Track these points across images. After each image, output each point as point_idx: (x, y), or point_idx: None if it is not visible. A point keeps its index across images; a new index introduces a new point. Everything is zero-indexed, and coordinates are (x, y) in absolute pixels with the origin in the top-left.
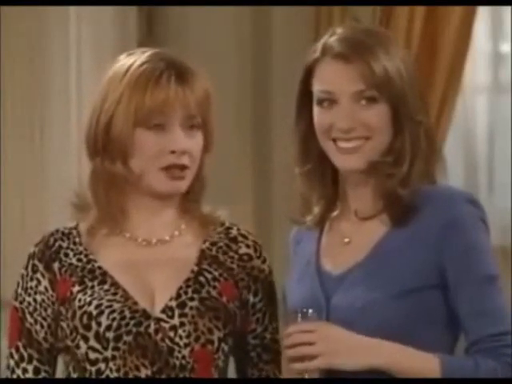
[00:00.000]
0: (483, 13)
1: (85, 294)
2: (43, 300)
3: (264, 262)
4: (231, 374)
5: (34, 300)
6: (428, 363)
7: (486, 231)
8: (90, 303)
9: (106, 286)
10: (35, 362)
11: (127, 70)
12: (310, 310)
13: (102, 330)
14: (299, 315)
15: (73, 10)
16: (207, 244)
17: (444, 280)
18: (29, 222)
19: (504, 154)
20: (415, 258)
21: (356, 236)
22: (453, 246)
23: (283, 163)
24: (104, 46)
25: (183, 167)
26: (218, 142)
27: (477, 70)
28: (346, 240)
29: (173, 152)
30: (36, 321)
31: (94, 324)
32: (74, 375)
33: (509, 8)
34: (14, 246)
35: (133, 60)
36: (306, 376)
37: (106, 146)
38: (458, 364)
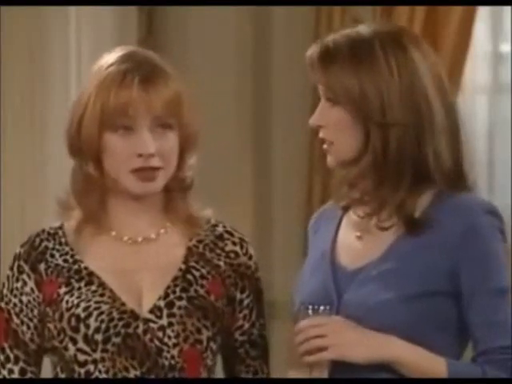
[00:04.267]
0: (483, 13)
1: (72, 295)
2: (29, 301)
3: (250, 258)
4: (218, 370)
5: (20, 301)
6: (436, 365)
7: (504, 242)
8: (77, 305)
9: (93, 287)
10: (21, 363)
11: (97, 72)
12: (322, 307)
13: (90, 332)
14: (310, 311)
15: (73, 9)
16: (194, 241)
17: (456, 287)
18: (29, 222)
19: (504, 153)
20: (429, 264)
21: (369, 233)
22: (469, 254)
23: (283, 163)
24: (104, 46)
25: (154, 169)
26: (218, 142)
27: (477, 70)
28: (358, 234)
29: (140, 155)
30: (22, 322)
31: (82, 326)
32: (62, 375)
33: (509, 8)
34: (14, 246)
35: (104, 61)
36: (316, 371)
37: (79, 148)
38: (465, 370)
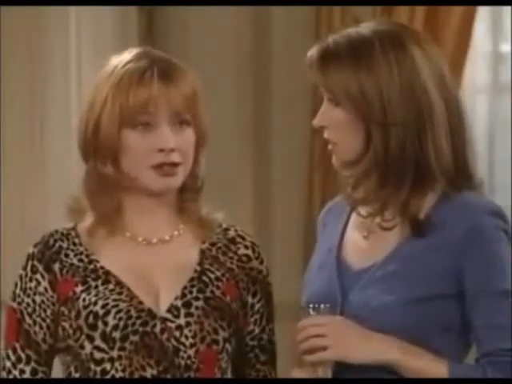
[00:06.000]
0: (483, 13)
1: (89, 293)
2: (43, 301)
3: (262, 262)
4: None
5: (33, 301)
6: (436, 367)
7: (508, 243)
8: (95, 303)
9: (110, 286)
10: (33, 363)
11: (112, 71)
12: (322, 305)
13: (108, 329)
14: (311, 310)
15: (73, 10)
16: (207, 244)
17: (460, 289)
18: (29, 222)
19: (504, 153)
20: (433, 266)
21: (374, 233)
22: (473, 257)
23: (283, 163)
24: (104, 46)
25: (174, 164)
26: (218, 142)
27: (477, 70)
28: (365, 234)
29: (161, 150)
30: (35, 322)
31: (100, 324)
32: (76, 375)
33: (509, 8)
34: (14, 246)
35: (118, 60)
36: (319, 370)
37: (96, 148)
38: (465, 372)
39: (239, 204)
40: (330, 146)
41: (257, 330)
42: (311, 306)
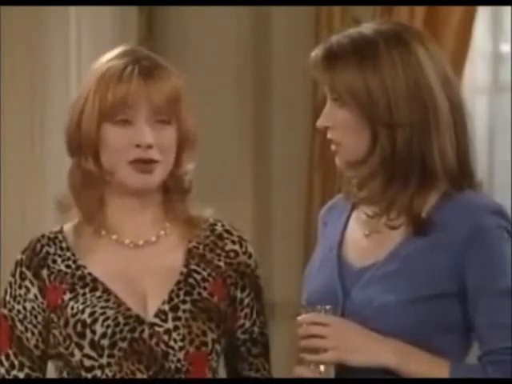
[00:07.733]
0: (483, 13)
1: (77, 301)
2: (33, 308)
3: (250, 257)
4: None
5: (24, 308)
6: (437, 369)
7: (510, 242)
8: (83, 311)
9: (97, 293)
10: (26, 370)
11: (97, 67)
12: (319, 306)
13: (96, 337)
14: (311, 309)
15: (73, 9)
16: (193, 243)
17: (462, 288)
18: (29, 222)
19: (504, 153)
20: (435, 266)
21: (377, 232)
22: (475, 255)
23: (283, 163)
24: (104, 46)
25: (151, 161)
26: (218, 142)
27: (477, 70)
28: (366, 232)
29: (138, 146)
30: (26, 328)
31: (88, 332)
32: None
33: (509, 8)
34: (14, 246)
35: (105, 57)
36: (322, 367)
37: (79, 143)
38: (466, 372)
39: (239, 204)
40: (333, 147)
41: (247, 324)
42: (312, 306)
